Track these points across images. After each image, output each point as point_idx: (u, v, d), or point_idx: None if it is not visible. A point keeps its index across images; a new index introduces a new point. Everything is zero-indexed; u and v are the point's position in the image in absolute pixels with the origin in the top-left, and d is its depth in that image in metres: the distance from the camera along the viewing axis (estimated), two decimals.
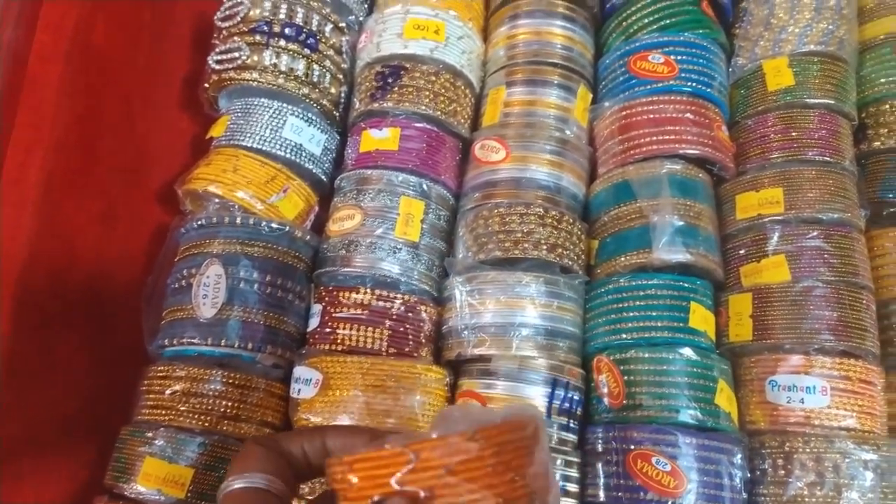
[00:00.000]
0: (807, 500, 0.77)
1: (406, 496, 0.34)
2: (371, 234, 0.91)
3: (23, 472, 0.83)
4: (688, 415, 0.80)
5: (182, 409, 0.84)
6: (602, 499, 0.81)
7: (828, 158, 0.91)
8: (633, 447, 0.79)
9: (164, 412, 0.84)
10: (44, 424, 0.86)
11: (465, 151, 1.02)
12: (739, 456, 0.80)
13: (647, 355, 0.83)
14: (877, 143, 0.96)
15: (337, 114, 1.06)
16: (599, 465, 0.82)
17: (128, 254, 1.02)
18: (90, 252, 0.96)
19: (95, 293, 0.96)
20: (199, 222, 0.92)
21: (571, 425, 0.85)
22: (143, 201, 1.06)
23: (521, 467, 0.37)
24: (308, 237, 0.95)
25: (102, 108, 1.00)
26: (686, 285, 0.86)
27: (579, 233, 0.92)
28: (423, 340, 0.90)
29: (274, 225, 0.92)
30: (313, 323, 0.91)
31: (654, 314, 0.85)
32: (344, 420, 0.82)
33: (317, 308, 0.91)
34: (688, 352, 0.82)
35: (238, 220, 0.91)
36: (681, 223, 0.88)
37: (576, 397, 0.86)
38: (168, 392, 0.85)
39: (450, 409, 0.44)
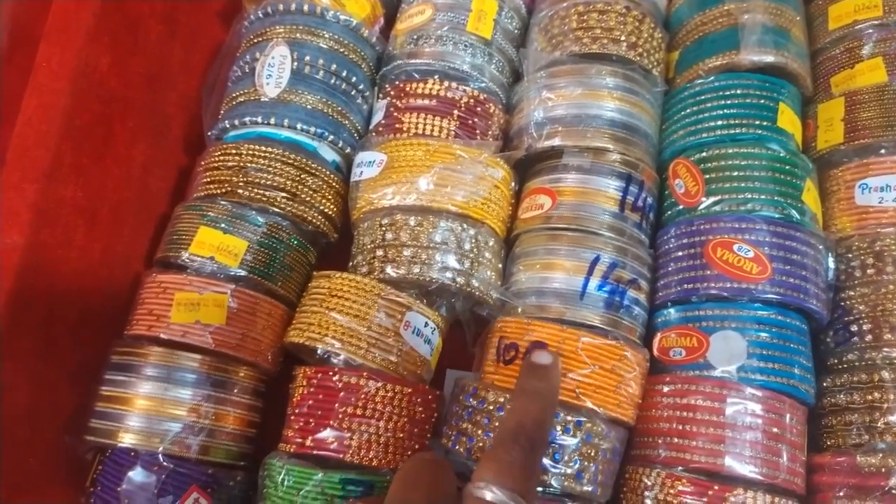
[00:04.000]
0: None
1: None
2: (441, 28, 0.87)
3: (75, 237, 0.81)
4: (772, 209, 0.75)
5: (240, 182, 0.81)
6: (674, 296, 0.77)
7: None
8: (712, 237, 0.75)
9: (221, 185, 0.82)
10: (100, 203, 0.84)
11: None
12: (827, 255, 0.75)
13: (730, 151, 0.78)
14: None
15: None
16: (672, 264, 0.78)
17: (188, 62, 0.99)
18: (151, 48, 0.93)
19: (153, 91, 0.93)
20: (265, 9, 0.89)
21: (644, 225, 0.81)
22: (204, 17, 1.04)
23: None
24: (374, 39, 0.92)
25: None
26: (775, 85, 0.81)
27: (660, 38, 0.88)
28: (491, 140, 0.86)
29: (342, 17, 0.88)
30: (377, 118, 0.88)
31: (739, 111, 0.80)
32: (412, 199, 0.78)
33: (381, 104, 0.88)
34: (775, 146, 0.77)
35: (305, 8, 0.87)
36: (772, 24, 0.83)
37: (649, 200, 0.81)
38: (227, 167, 0.82)
39: None
